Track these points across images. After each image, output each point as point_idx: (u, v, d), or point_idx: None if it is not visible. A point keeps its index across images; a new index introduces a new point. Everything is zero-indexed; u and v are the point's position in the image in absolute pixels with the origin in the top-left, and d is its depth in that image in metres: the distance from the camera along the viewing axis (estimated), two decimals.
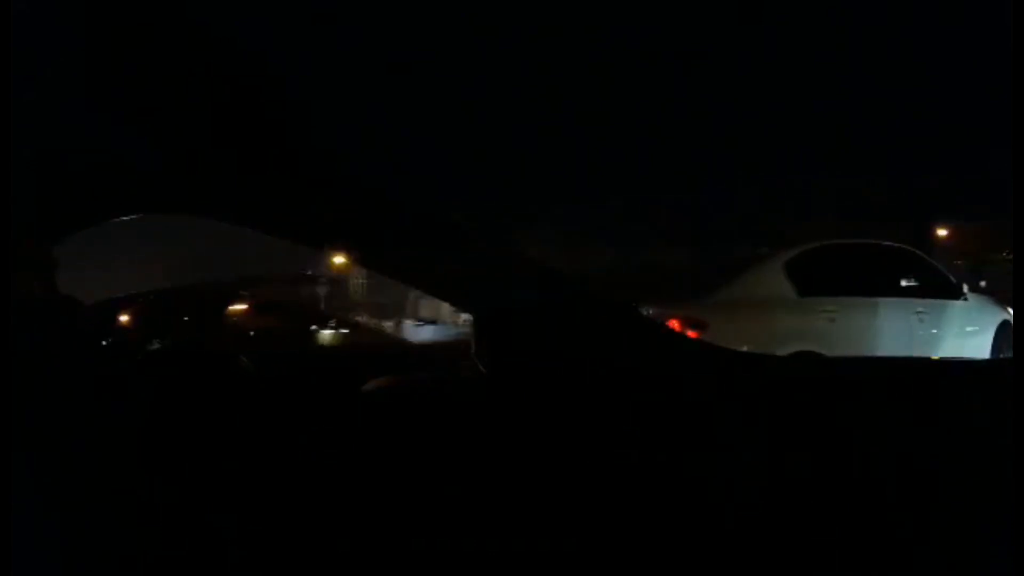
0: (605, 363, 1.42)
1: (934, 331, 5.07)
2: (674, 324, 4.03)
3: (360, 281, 10.98)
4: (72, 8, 1.30)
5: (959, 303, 5.46)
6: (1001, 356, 5.10)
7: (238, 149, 1.38)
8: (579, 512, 1.25)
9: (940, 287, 5.45)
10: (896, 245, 5.49)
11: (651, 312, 4.16)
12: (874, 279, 4.96)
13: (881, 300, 4.91)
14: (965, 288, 5.55)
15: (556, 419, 1.35)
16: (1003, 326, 5.48)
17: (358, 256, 1.49)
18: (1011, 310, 5.33)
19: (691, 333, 3.97)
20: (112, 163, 1.33)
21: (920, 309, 5.17)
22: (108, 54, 1.30)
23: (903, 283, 5.14)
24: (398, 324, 10.67)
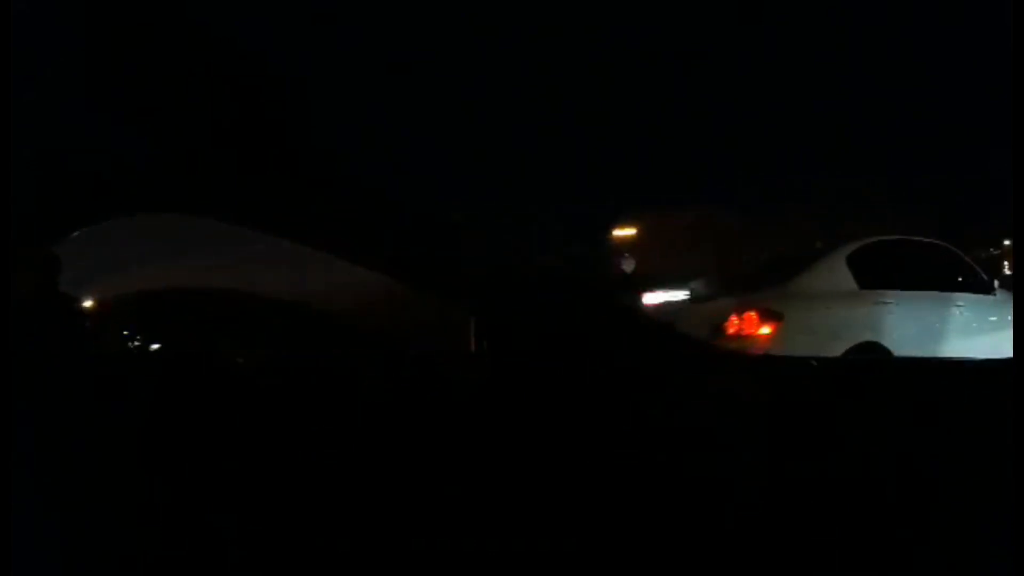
0: (605, 363, 1.42)
1: (971, 324, 5.25)
2: (752, 316, 4.16)
3: None
4: (72, 8, 1.30)
5: (990, 298, 5.64)
6: None
7: (238, 149, 1.38)
8: (579, 512, 1.25)
9: (974, 282, 5.62)
10: (936, 241, 5.67)
11: (729, 303, 4.24)
12: (921, 273, 5.18)
13: (929, 294, 5.12)
14: (996, 284, 5.73)
15: (556, 419, 1.35)
16: None
17: (359, 256, 1.49)
18: None
19: (769, 324, 4.09)
20: (112, 163, 1.33)
21: (960, 303, 5.35)
22: (108, 54, 1.30)
23: (945, 278, 5.34)
24: None
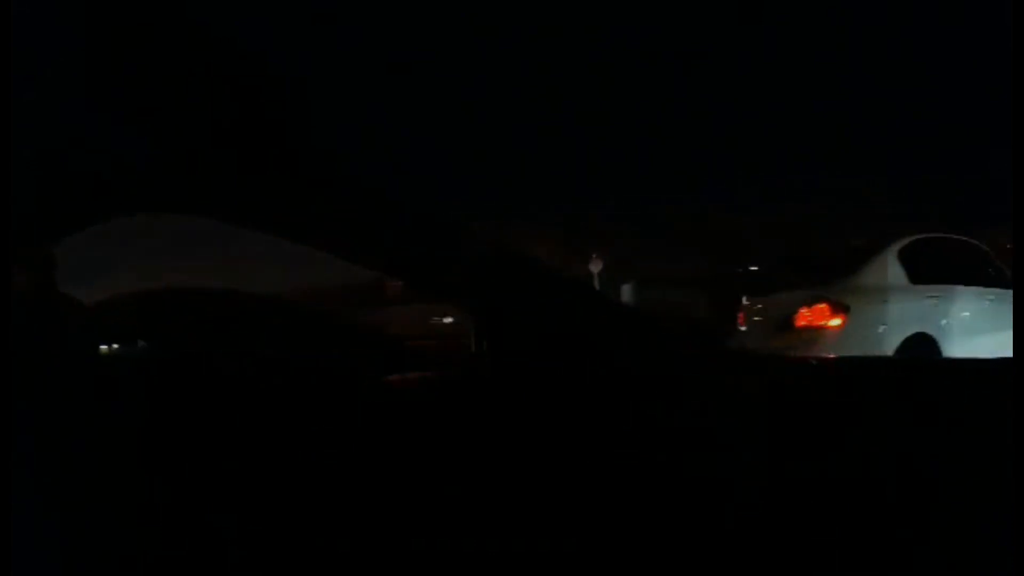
0: (605, 363, 1.42)
1: (1001, 317, 5.40)
2: (824, 308, 4.40)
3: None
4: (72, 8, 1.30)
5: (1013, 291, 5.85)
6: None
7: (238, 149, 1.38)
8: (579, 512, 1.25)
9: (999, 277, 5.79)
10: (967, 239, 5.84)
11: (799, 296, 4.46)
12: (958, 269, 5.42)
13: (967, 288, 5.35)
14: None
15: (556, 419, 1.35)
16: None
17: (358, 256, 1.49)
18: None
19: (838, 316, 4.32)
20: (112, 163, 1.33)
21: (991, 297, 5.54)
22: (108, 54, 1.30)
23: (976, 273, 5.54)
24: None
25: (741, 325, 5.27)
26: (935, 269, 5.40)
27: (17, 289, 1.30)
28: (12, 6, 1.19)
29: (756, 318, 5.13)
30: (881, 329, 4.68)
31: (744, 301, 5.44)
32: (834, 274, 5.16)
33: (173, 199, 1.42)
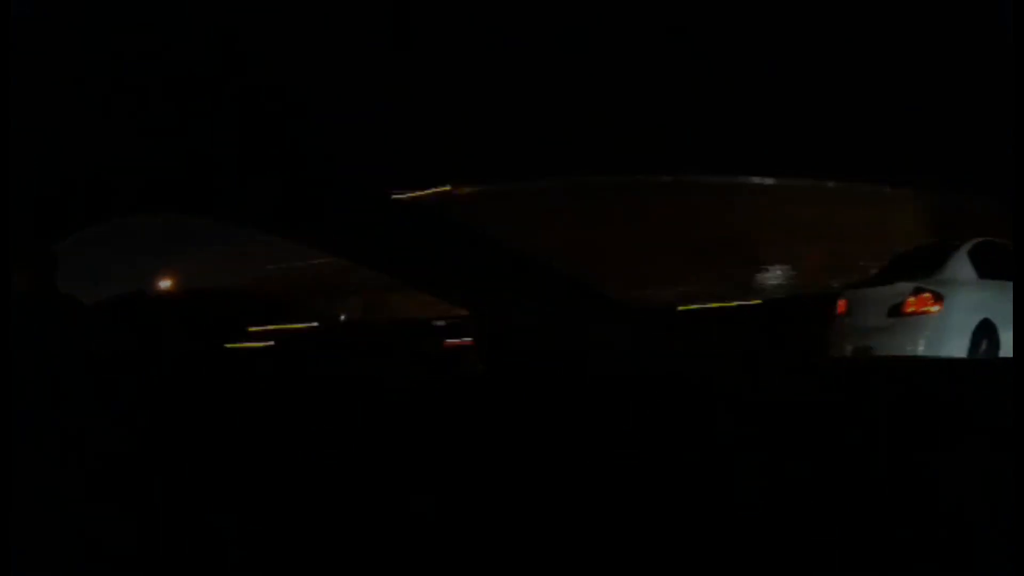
0: (605, 363, 1.42)
1: None
2: (928, 297, 5.61)
3: None
4: (72, 8, 1.30)
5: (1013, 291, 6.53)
6: None
7: (238, 149, 1.38)
8: (579, 512, 1.26)
9: None
10: (1007, 242, 6.60)
11: (905, 287, 5.63)
12: (1006, 267, 6.21)
13: (1011, 283, 6.15)
14: None
15: (556, 419, 1.35)
16: None
17: (361, 256, 1.49)
18: None
19: (938, 304, 5.56)
20: (112, 163, 1.33)
21: None
22: (108, 54, 1.30)
23: (1012, 270, 6.39)
24: None
25: (841, 312, 6.24)
26: (992, 266, 6.39)
27: (17, 289, 1.31)
28: (12, 6, 1.19)
29: (859, 306, 6.13)
30: (964, 315, 5.67)
31: (846, 291, 6.46)
32: (929, 269, 6.13)
33: (173, 199, 1.42)
